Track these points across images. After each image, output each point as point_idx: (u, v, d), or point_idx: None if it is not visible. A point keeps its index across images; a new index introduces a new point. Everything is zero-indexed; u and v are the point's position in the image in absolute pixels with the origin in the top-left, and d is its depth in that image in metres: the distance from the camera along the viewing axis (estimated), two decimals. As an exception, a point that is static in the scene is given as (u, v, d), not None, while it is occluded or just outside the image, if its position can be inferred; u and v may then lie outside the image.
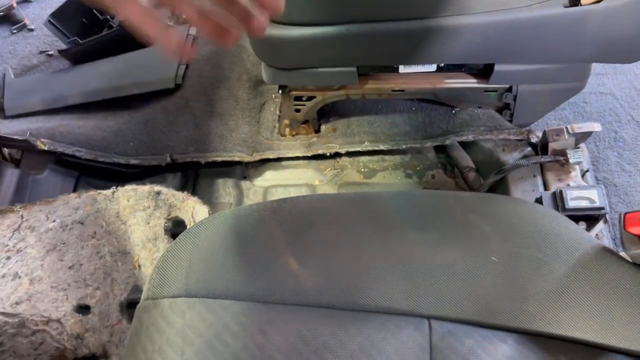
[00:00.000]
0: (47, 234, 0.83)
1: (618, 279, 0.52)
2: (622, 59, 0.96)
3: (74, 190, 1.18)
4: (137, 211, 0.89)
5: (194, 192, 1.24)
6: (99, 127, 1.25)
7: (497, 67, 1.00)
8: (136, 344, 0.52)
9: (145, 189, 0.90)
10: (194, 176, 1.26)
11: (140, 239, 0.88)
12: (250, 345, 0.48)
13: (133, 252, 0.87)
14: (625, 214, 0.55)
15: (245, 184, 1.24)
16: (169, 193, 0.91)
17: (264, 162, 1.26)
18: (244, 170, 1.26)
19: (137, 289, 0.87)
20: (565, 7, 0.86)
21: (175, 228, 0.93)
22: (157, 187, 0.91)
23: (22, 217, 0.84)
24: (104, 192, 0.90)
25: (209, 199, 1.21)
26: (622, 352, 0.49)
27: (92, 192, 0.90)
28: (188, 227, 0.91)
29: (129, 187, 0.91)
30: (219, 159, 1.21)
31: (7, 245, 0.81)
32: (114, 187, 0.92)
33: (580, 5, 0.86)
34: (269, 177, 1.25)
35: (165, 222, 0.90)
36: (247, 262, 0.53)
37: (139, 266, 0.87)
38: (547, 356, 0.49)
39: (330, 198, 0.57)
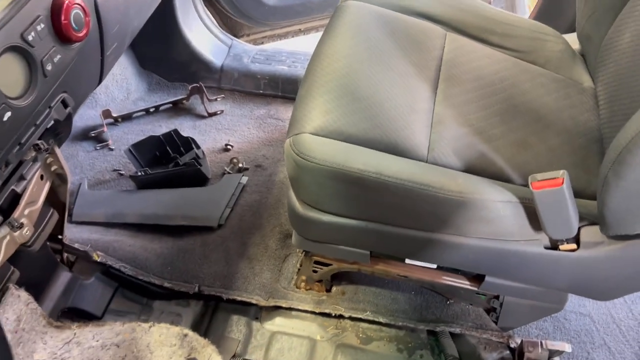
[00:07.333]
0: (89, 350, 0.99)
1: None
2: (594, 297, 1.13)
3: (110, 299, 1.36)
4: (164, 346, 1.05)
5: (210, 323, 1.39)
6: (145, 247, 1.45)
7: (487, 278, 1.17)
8: None
9: (176, 329, 1.07)
10: (214, 308, 1.42)
11: (160, 369, 1.03)
12: None
13: (152, 377, 1.02)
14: None
15: (255, 324, 1.39)
16: (194, 337, 1.07)
17: (277, 308, 1.42)
18: (257, 311, 1.42)
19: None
20: (546, 248, 1.04)
21: None
22: (185, 330, 1.08)
23: (75, 334, 1.01)
24: (143, 324, 1.07)
25: (222, 333, 1.36)
26: None
27: (134, 323, 1.07)
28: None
29: (163, 325, 1.08)
30: (239, 298, 1.38)
31: (55, 354, 0.97)
32: (152, 322, 1.09)
33: (559, 249, 1.04)
34: (277, 323, 1.40)
35: (183, 360, 1.06)
36: None
37: (154, 391, 1.01)
38: None
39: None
